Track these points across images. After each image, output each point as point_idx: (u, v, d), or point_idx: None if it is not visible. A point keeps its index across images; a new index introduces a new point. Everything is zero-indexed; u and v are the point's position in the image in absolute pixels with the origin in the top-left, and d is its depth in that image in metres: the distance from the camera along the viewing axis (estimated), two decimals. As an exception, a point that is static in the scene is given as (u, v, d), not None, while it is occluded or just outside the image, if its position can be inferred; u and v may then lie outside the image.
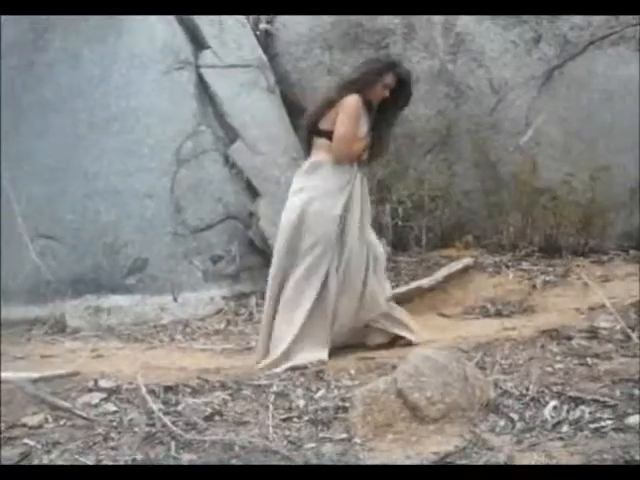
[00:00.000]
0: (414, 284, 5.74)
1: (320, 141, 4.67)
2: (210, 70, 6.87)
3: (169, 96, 6.65)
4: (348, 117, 4.54)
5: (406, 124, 6.74)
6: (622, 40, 7.02)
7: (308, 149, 4.80)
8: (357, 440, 3.44)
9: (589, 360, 4.19)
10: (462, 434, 3.41)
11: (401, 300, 5.49)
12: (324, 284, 4.58)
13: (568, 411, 3.56)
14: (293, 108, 7.10)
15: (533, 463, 3.08)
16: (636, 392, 3.69)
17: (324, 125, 4.64)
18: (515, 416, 3.56)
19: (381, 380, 3.73)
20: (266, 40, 7.38)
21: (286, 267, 4.64)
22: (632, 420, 3.40)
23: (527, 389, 3.80)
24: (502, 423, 3.52)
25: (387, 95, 4.69)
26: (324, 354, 4.58)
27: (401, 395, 3.58)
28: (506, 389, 3.82)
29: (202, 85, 6.81)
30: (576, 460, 3.05)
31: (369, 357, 4.64)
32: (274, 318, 4.67)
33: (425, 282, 5.70)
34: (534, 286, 5.73)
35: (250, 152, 6.66)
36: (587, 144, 6.57)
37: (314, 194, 4.59)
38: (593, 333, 4.60)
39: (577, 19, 7.05)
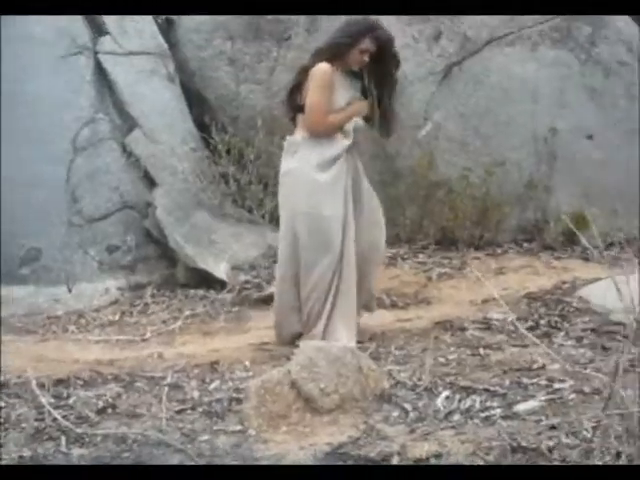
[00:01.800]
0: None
1: (299, 116, 4.46)
2: (109, 56, 6.70)
3: (66, 82, 6.46)
4: (316, 86, 4.28)
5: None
6: (518, 40, 7.17)
7: (294, 126, 4.57)
8: (251, 432, 3.44)
9: (481, 351, 4.30)
10: (356, 425, 3.45)
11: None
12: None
13: (460, 400, 3.64)
14: (193, 97, 7.02)
15: (425, 452, 3.13)
16: (525, 381, 3.80)
17: (299, 99, 4.41)
18: (408, 406, 3.61)
19: (275, 371, 3.73)
20: (167, 28, 7.23)
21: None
22: (520, 408, 3.50)
23: (420, 379, 3.87)
24: (396, 413, 3.56)
25: (366, 60, 4.38)
26: (352, 341, 4.36)
27: (295, 386, 3.59)
28: (400, 380, 3.88)
29: (100, 72, 6.64)
30: (466, 448, 3.12)
31: (264, 348, 4.63)
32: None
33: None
34: (430, 278, 5.79)
35: (148, 141, 6.54)
36: (484, 139, 6.67)
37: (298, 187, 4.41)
38: (486, 324, 4.71)
39: (477, 17, 7.16)
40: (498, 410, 3.50)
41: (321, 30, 6.99)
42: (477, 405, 3.58)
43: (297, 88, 4.43)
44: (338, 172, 4.39)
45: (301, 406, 3.58)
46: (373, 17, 4.60)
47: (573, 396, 3.53)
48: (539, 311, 4.85)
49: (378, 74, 4.47)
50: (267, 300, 5.57)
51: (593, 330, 4.46)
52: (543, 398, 3.57)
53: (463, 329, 4.59)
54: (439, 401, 3.65)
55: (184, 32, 7.17)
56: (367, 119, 4.55)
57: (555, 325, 4.61)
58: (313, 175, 4.35)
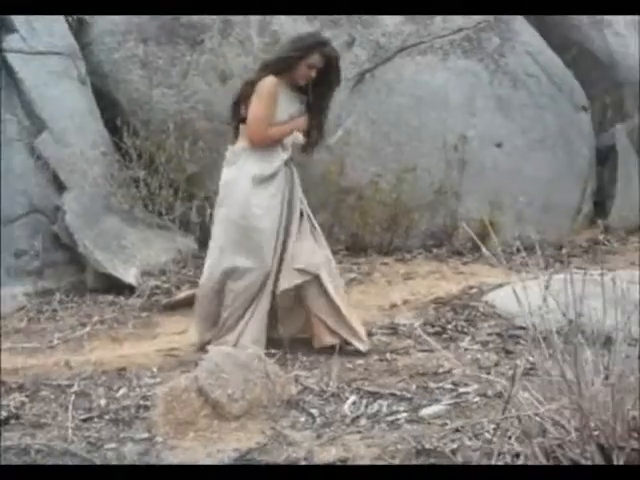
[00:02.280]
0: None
1: (242, 127, 4.45)
2: (16, 55, 6.55)
3: (-30, 81, 6.31)
4: (260, 98, 4.30)
5: (217, 120, 6.72)
6: (430, 49, 7.30)
7: (235, 137, 4.55)
8: (158, 439, 3.41)
9: (388, 355, 4.35)
10: (263, 430, 3.45)
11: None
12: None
13: (367, 405, 3.68)
14: (104, 100, 6.91)
15: (332, 457, 3.15)
16: (431, 385, 3.86)
17: (243, 110, 4.42)
18: (315, 412, 3.63)
19: (182, 378, 3.71)
20: (79, 28, 7.11)
21: None
22: (425, 412, 3.55)
23: (328, 385, 3.89)
24: (303, 419, 3.58)
25: (313, 76, 4.39)
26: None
27: (202, 392, 3.58)
28: (307, 385, 3.90)
29: (7, 71, 6.49)
30: (372, 452, 3.15)
31: (173, 354, 4.60)
32: None
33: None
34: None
35: (57, 144, 6.40)
36: (394, 146, 6.76)
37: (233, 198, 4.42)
38: (393, 329, 4.77)
39: (390, 26, 7.25)
40: (404, 414, 3.55)
41: (234, 34, 6.99)
42: (384, 410, 3.63)
43: (242, 99, 4.44)
44: (276, 186, 4.44)
45: (209, 412, 3.57)
46: (320, 34, 4.81)
47: (477, 399, 3.60)
48: (446, 316, 4.94)
49: (320, 90, 4.52)
50: (176, 305, 5.54)
51: (498, 334, 4.56)
52: (448, 402, 3.63)
53: (371, 334, 4.62)
54: (346, 406, 3.68)
55: (96, 33, 7.07)
56: (305, 134, 4.59)
57: (461, 330, 4.70)
58: (250, 187, 4.36)
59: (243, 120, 4.42)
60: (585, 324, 2.78)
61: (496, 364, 4.06)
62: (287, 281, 4.42)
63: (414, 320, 4.84)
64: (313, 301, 4.44)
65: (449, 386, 3.81)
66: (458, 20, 7.52)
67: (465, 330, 4.69)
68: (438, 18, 7.50)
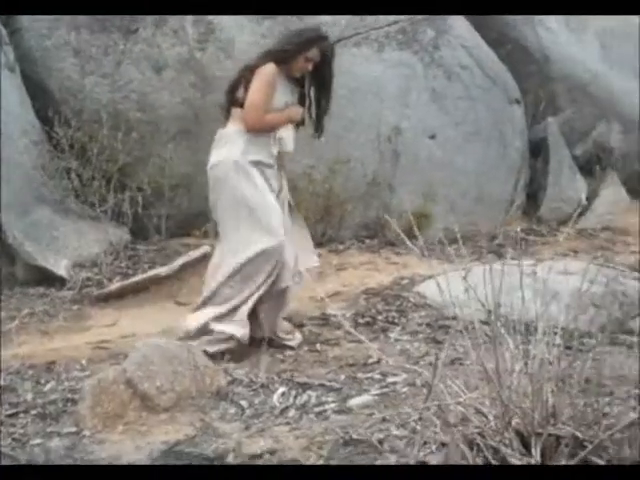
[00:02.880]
0: (151, 272, 5.67)
1: (235, 110, 4.47)
2: (-61, 42, 6.42)
3: None
4: (260, 84, 4.35)
5: (151, 111, 6.65)
6: (365, 41, 7.31)
7: (226, 120, 4.57)
8: (86, 433, 3.38)
9: (319, 346, 4.37)
10: (193, 422, 3.44)
11: (138, 289, 5.44)
12: None
13: (296, 396, 3.70)
14: (35, 88, 6.77)
15: (260, 448, 3.16)
16: (360, 375, 3.89)
17: (239, 93, 4.44)
18: (244, 403, 3.63)
19: (111, 370, 3.68)
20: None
21: None
22: (354, 402, 3.58)
23: (257, 376, 3.89)
24: (232, 410, 3.58)
25: (309, 69, 4.50)
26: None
27: (131, 385, 3.56)
28: (236, 377, 3.90)
29: None
30: (300, 443, 3.16)
31: (103, 347, 4.55)
32: None
33: (162, 270, 5.62)
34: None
35: (-14, 133, 6.28)
36: (328, 137, 6.69)
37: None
38: (324, 320, 4.79)
39: (325, 17, 7.24)
40: (332, 405, 3.57)
41: (169, 25, 6.92)
42: (312, 400, 3.65)
43: (239, 84, 4.47)
44: (272, 176, 4.51)
45: (137, 405, 3.55)
46: (321, 28, 4.79)
47: (405, 389, 3.63)
48: (377, 307, 4.97)
49: (318, 81, 4.61)
50: (108, 297, 5.48)
51: (428, 324, 4.61)
52: (376, 392, 3.66)
53: (302, 325, 4.64)
54: (275, 397, 3.69)
55: (26, 19, 6.91)
56: (298, 125, 4.68)
57: (392, 320, 4.74)
58: (248, 166, 4.37)
59: (238, 104, 4.45)
60: (508, 314, 2.84)
61: (425, 354, 4.10)
62: (289, 280, 4.46)
63: (345, 311, 4.87)
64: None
65: (378, 376, 3.85)
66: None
67: (396, 321, 4.73)
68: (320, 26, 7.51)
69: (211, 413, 3.54)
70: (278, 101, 4.45)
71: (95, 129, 6.51)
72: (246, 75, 4.44)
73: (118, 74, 6.82)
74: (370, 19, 7.42)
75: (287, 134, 4.55)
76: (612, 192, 8.37)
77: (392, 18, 7.56)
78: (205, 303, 4.44)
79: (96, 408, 3.49)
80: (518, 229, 7.07)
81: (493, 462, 2.46)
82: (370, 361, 4.04)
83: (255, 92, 4.35)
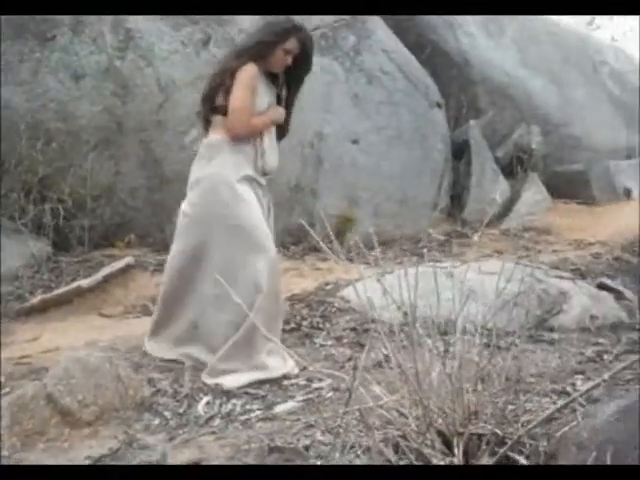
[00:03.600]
0: (74, 284, 5.57)
1: (217, 118, 4.14)
2: None
3: None
4: (241, 87, 4.02)
5: (71, 120, 6.54)
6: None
7: (206, 130, 4.23)
8: (4, 453, 3.27)
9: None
10: (116, 435, 3.37)
11: (61, 302, 5.33)
12: None
13: (220, 405, 3.65)
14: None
15: (186, 458, 3.12)
16: (285, 382, 3.87)
17: (220, 100, 4.10)
18: (169, 414, 3.58)
19: (30, 385, 3.58)
20: None
21: None
22: (279, 409, 3.56)
23: (181, 386, 3.85)
24: (156, 421, 3.52)
25: (289, 63, 4.17)
26: None
27: (51, 400, 3.46)
28: (161, 387, 3.84)
29: None
30: (226, 452, 3.13)
31: (24, 362, 4.44)
32: None
33: (85, 282, 5.52)
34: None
35: None
36: (250, 144, 6.73)
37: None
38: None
39: (246, 23, 7.23)
40: (257, 412, 3.55)
41: (87, 32, 6.83)
42: (237, 409, 3.61)
43: (219, 89, 4.13)
44: (258, 193, 4.24)
45: (59, 420, 3.45)
46: (296, 17, 4.39)
47: (330, 394, 3.63)
48: (302, 313, 4.96)
49: (291, 76, 4.31)
50: (30, 312, 5.36)
51: (353, 329, 4.61)
52: (301, 398, 3.65)
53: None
54: (200, 407, 3.64)
55: None
56: (281, 133, 4.40)
57: (317, 326, 4.73)
58: (235, 181, 4.08)
59: (218, 110, 4.14)
60: (428, 316, 2.85)
61: (350, 359, 4.11)
62: None
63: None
64: None
65: (303, 382, 3.83)
66: (314, 19, 7.57)
67: (320, 326, 4.72)
68: (295, 16, 7.53)
69: (135, 425, 3.47)
70: (261, 102, 4.16)
71: (14, 140, 6.37)
72: (225, 79, 4.11)
73: (36, 83, 6.69)
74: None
75: (270, 148, 4.29)
76: (534, 193, 8.54)
77: (313, 24, 7.57)
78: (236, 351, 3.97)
79: (14, 426, 3.38)
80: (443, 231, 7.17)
81: (416, 463, 2.47)
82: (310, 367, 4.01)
83: (238, 96, 4.05)
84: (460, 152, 8.51)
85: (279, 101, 4.33)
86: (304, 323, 4.77)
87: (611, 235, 7.56)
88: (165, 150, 6.59)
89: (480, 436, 2.53)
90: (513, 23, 10.34)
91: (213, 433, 3.36)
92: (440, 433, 2.52)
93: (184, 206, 4.28)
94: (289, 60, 4.18)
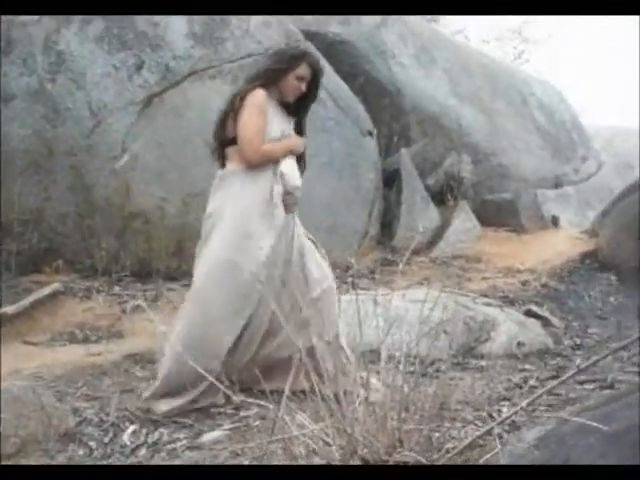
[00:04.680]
0: (-1, 311, 5.47)
1: (230, 150, 3.97)
2: None
3: None
4: (250, 113, 3.85)
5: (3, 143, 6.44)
6: (219, 74, 7.32)
7: (222, 163, 4.04)
8: None
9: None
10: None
11: (-16, 329, 5.22)
12: None
13: (147, 434, 3.61)
14: None
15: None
16: (212, 410, 3.84)
17: (230, 129, 3.95)
18: (94, 444, 3.52)
19: (-51, 417, 3.48)
20: None
21: None
22: (206, 438, 3.53)
23: (107, 415, 3.79)
24: (81, 452, 3.46)
25: (303, 89, 4.02)
26: None
27: (-30, 432, 3.38)
28: (86, 416, 3.78)
29: None
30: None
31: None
32: None
33: (10, 309, 5.41)
34: (124, 311, 5.73)
35: None
36: (181, 170, 6.71)
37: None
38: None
39: (180, 49, 7.22)
40: (184, 441, 3.51)
41: (16, 52, 6.73)
42: (164, 438, 3.57)
43: (227, 117, 3.99)
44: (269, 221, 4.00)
45: (-22, 452, 3.37)
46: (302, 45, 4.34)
47: (258, 422, 3.62)
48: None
49: (301, 106, 4.17)
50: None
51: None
52: (229, 427, 3.63)
53: (153, 362, 4.54)
54: (125, 436, 3.60)
55: None
56: (298, 158, 4.17)
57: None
58: (248, 215, 3.90)
59: (230, 141, 3.98)
60: (355, 344, 2.86)
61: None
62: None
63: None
64: None
65: (230, 411, 3.81)
66: (248, 46, 7.60)
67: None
68: (228, 43, 7.55)
69: (58, 457, 3.41)
70: (273, 130, 3.98)
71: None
72: (234, 106, 3.95)
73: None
74: (224, 52, 7.45)
75: (289, 168, 4.06)
76: (463, 221, 8.64)
77: (246, 51, 7.61)
78: None
79: None
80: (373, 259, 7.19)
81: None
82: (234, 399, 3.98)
83: (246, 122, 3.89)
84: (391, 180, 8.58)
85: (300, 130, 4.19)
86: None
87: (539, 262, 7.69)
88: (96, 175, 6.52)
89: (405, 463, 2.54)
90: (444, 54, 10.53)
91: (139, 463, 3.31)
92: (364, 461, 2.52)
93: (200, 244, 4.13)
94: (303, 87, 4.06)
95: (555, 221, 9.67)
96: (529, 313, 5.83)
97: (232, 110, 3.95)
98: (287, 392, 2.59)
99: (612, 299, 6.63)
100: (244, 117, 3.89)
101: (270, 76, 4.01)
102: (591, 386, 4.20)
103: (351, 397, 2.54)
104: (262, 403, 2.58)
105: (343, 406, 2.42)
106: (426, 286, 6.26)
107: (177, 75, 7.15)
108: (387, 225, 8.32)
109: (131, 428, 3.67)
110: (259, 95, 3.92)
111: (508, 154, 10.18)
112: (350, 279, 6.20)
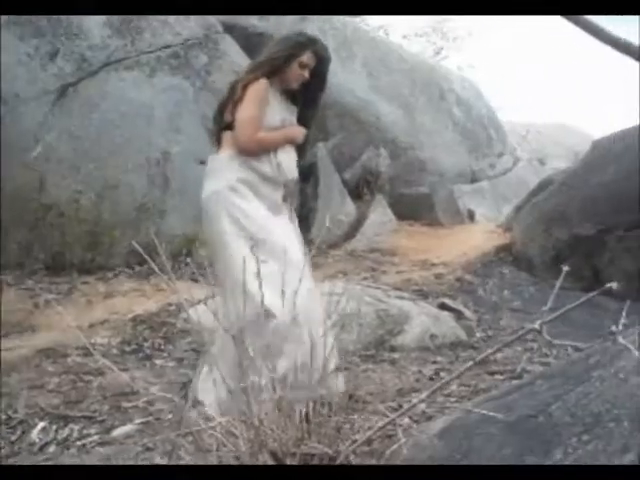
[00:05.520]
0: None
1: (226, 134, 3.81)
2: None
3: None
4: (250, 100, 3.70)
5: None
6: (137, 65, 7.25)
7: (218, 145, 3.88)
8: None
9: (83, 377, 4.23)
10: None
11: None
12: None
13: (57, 431, 3.55)
14: None
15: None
16: (124, 405, 3.80)
17: (229, 115, 3.79)
18: (1, 442, 3.45)
19: None
20: None
21: None
22: (117, 432, 3.50)
23: (16, 412, 3.72)
24: (-13, 450, 3.39)
25: (306, 77, 3.86)
26: None
27: None
28: (-7, 414, 3.71)
29: None
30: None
31: None
32: None
33: None
34: (36, 305, 5.63)
35: None
36: (97, 162, 6.63)
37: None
38: (89, 350, 4.64)
39: (96, 39, 7.11)
40: (95, 437, 3.47)
41: None
42: (74, 434, 3.52)
43: (228, 104, 3.82)
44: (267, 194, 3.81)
45: None
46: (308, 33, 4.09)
47: (170, 416, 3.59)
48: (144, 334, 4.91)
49: (304, 96, 4.00)
50: None
51: (194, 350, 4.58)
52: (140, 421, 3.60)
53: (66, 355, 4.49)
54: (34, 433, 3.53)
55: None
56: (299, 149, 4.01)
57: (158, 347, 4.68)
58: (233, 198, 3.70)
59: (228, 126, 3.83)
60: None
61: (191, 380, 4.08)
62: None
63: (111, 339, 4.77)
64: None
65: (142, 405, 3.78)
66: (166, 37, 7.54)
67: (162, 347, 4.68)
68: (146, 34, 7.48)
69: (-37, 455, 3.33)
70: (272, 118, 3.86)
71: None
72: (235, 92, 3.80)
73: None
74: (142, 43, 7.38)
75: (286, 158, 3.92)
76: (380, 215, 8.71)
77: (164, 42, 7.55)
78: None
79: None
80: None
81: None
82: (135, 389, 3.95)
83: (244, 109, 3.75)
84: (307, 174, 8.60)
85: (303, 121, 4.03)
86: (146, 344, 4.72)
87: (454, 256, 7.80)
88: (6, 167, 6.38)
89: (312, 455, 2.56)
90: (364, 49, 10.60)
91: (48, 460, 3.26)
92: (273, 453, 2.53)
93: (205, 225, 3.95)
94: (306, 74, 3.93)
95: (471, 215, 9.84)
96: (443, 306, 5.92)
97: (232, 97, 3.80)
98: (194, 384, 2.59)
99: (524, 292, 6.77)
100: (243, 105, 3.75)
101: (274, 64, 3.88)
102: (501, 377, 4.30)
103: (255, 390, 2.55)
104: (168, 396, 2.57)
105: (250, 399, 2.43)
106: (340, 279, 6.32)
107: (93, 65, 7.05)
108: (303, 219, 8.32)
109: (40, 425, 3.61)
110: (261, 85, 3.78)
111: (425, 149, 10.30)
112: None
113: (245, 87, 3.77)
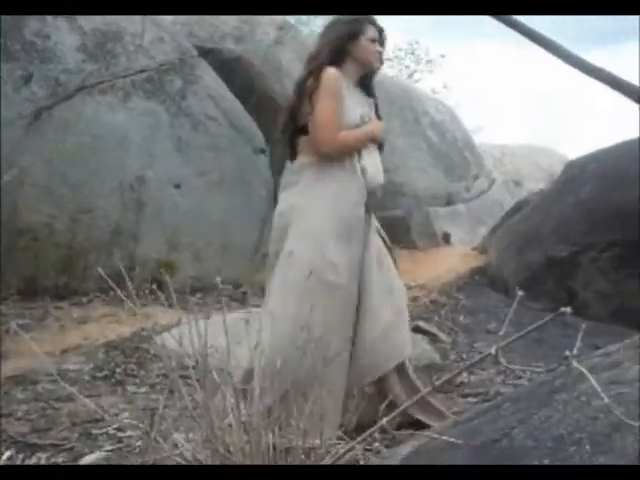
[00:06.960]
0: None
1: (301, 140, 3.45)
2: None
3: None
4: (322, 96, 3.30)
5: None
6: (111, 89, 7.25)
7: (293, 154, 3.52)
8: None
9: (53, 403, 4.19)
10: None
11: None
12: None
13: (24, 459, 3.50)
14: None
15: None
16: (94, 432, 3.77)
17: (302, 117, 3.40)
18: (-34, 471, 3.40)
19: None
20: None
21: None
22: (85, 460, 3.46)
23: (-18, 440, 3.68)
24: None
25: (382, 51, 3.51)
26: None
27: None
28: (-41, 442, 3.66)
29: None
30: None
31: None
32: None
33: None
34: (7, 331, 5.58)
35: None
36: (71, 186, 6.61)
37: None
38: (60, 376, 4.61)
39: (70, 63, 7.11)
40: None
41: None
42: (42, 462, 3.48)
43: (300, 104, 3.43)
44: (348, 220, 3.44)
45: None
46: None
47: (140, 443, 3.56)
48: (116, 360, 4.88)
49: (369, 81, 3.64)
50: None
51: (166, 375, 4.55)
52: (110, 448, 3.57)
53: (35, 382, 4.45)
54: (1, 462, 3.49)
55: None
56: (380, 147, 3.64)
57: (131, 372, 4.66)
58: (321, 220, 3.37)
59: (302, 131, 3.45)
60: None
61: (165, 406, 4.05)
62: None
63: (83, 365, 4.74)
64: None
65: (113, 431, 3.75)
66: (141, 61, 7.56)
67: (134, 373, 4.66)
68: (122, 58, 7.49)
69: None
70: (351, 116, 3.45)
71: None
72: (306, 88, 3.40)
73: None
74: (116, 67, 7.39)
75: (372, 162, 3.53)
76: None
77: (139, 66, 7.56)
78: None
79: None
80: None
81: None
82: (106, 416, 3.92)
83: (319, 108, 3.32)
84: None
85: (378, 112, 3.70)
86: (118, 370, 4.69)
87: (430, 279, 7.82)
88: (-21, 191, 6.36)
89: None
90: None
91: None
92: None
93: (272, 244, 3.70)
94: (379, 49, 3.55)
95: (447, 238, 9.87)
96: (417, 329, 5.93)
97: (304, 94, 3.42)
98: (161, 411, 2.58)
99: (499, 314, 6.79)
100: (316, 102, 3.36)
101: (339, 44, 3.48)
102: (474, 399, 4.31)
103: (224, 416, 2.54)
104: (134, 422, 2.56)
105: (214, 425, 2.42)
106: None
107: (67, 89, 7.04)
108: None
109: (7, 454, 3.56)
110: (332, 74, 3.38)
111: (400, 171, 10.33)
112: (242, 296, 6.20)
113: (317, 79, 3.39)
